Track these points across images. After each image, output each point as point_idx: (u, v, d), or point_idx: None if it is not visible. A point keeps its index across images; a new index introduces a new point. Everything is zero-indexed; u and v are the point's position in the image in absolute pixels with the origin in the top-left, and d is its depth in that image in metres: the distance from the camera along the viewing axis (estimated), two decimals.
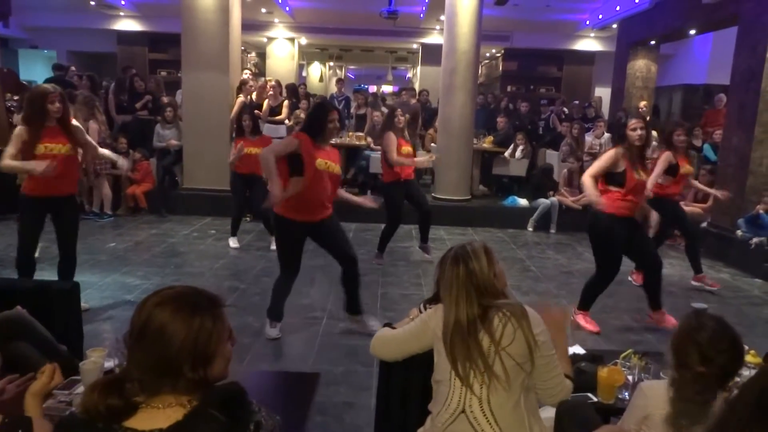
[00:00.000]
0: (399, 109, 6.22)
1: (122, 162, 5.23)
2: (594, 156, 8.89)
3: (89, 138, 4.46)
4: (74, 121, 4.27)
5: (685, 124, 6.01)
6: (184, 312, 1.30)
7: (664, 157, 5.40)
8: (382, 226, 6.35)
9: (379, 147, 8.80)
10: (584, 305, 4.65)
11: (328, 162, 3.98)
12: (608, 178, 4.38)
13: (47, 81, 9.04)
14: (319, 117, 4.03)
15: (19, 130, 4.02)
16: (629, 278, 5.86)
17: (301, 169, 3.89)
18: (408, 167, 6.04)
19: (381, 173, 6.41)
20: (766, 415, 1.25)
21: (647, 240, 4.81)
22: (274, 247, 6.62)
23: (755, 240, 6.52)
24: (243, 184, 6.64)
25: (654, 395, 1.88)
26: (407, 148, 6.07)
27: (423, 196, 6.46)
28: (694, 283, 5.91)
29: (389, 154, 5.86)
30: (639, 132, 4.30)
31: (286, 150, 3.90)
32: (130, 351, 1.32)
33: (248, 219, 7.70)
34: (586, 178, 4.36)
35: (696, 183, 6.50)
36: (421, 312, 2.41)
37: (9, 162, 3.94)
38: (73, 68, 10.26)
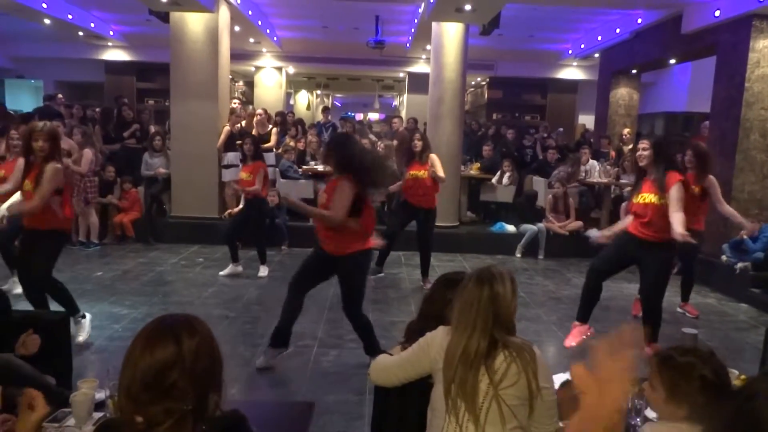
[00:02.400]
0: (417, 134, 6.58)
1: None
2: (580, 182, 9.04)
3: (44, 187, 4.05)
4: (54, 164, 4.04)
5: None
6: (162, 341, 1.33)
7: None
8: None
9: None
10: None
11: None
12: None
13: (35, 110, 9.05)
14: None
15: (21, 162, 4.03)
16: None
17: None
18: (417, 194, 6.34)
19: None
20: (750, 418, 1.27)
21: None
22: (262, 273, 6.65)
23: (740, 265, 6.60)
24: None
25: None
26: (416, 172, 6.35)
27: (428, 231, 6.57)
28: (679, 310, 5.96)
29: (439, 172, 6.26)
30: (639, 152, 4.41)
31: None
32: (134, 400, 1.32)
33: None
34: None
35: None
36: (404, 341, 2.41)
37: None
38: (60, 96, 10.26)
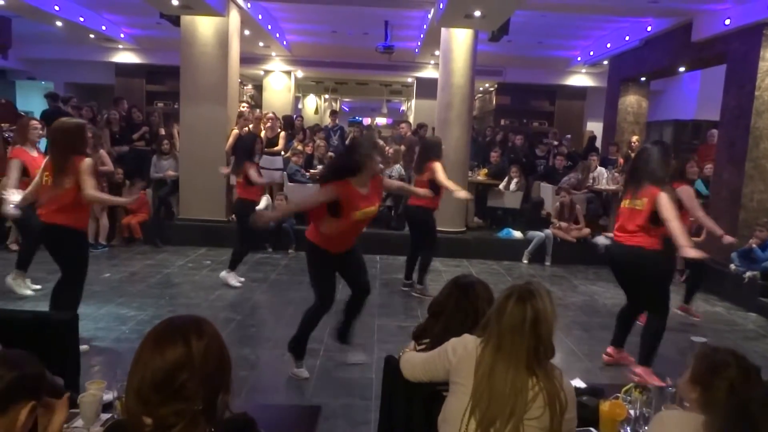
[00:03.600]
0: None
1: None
2: (588, 188, 9.02)
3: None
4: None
5: (693, 157, 5.86)
6: (171, 342, 1.33)
7: (690, 192, 5.04)
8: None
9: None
10: (647, 360, 4.30)
11: (365, 211, 3.90)
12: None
13: (44, 113, 9.08)
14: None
15: (89, 162, 4.16)
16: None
17: (339, 212, 3.79)
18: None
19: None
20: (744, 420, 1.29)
21: None
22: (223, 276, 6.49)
23: (748, 274, 6.56)
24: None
25: (672, 424, 1.79)
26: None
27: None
28: (678, 311, 5.94)
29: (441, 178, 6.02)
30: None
31: (329, 199, 3.80)
32: (144, 403, 1.32)
33: None
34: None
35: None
36: (416, 341, 2.42)
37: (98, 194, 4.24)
38: (74, 99, 10.29)
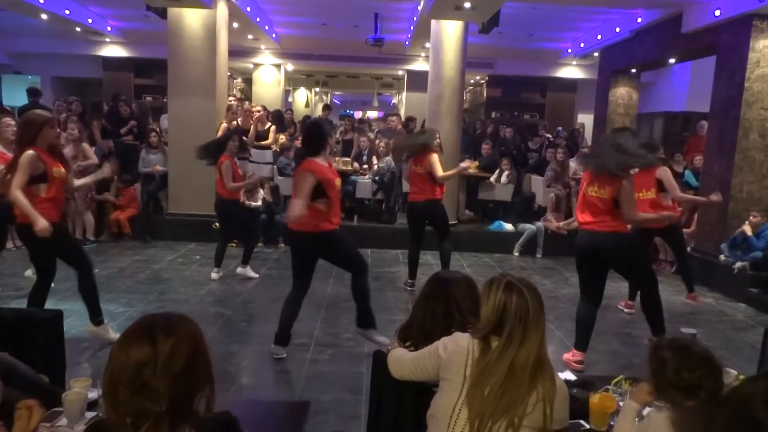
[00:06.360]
0: (437, 131, 6.40)
1: (106, 170, 4.95)
2: (578, 182, 9.01)
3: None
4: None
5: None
6: (137, 341, 1.31)
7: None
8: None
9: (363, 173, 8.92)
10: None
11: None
12: None
13: (23, 108, 8.93)
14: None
15: (28, 156, 3.86)
16: (619, 306, 5.88)
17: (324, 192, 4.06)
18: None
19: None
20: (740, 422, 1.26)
21: None
22: (252, 274, 6.53)
23: (738, 265, 6.59)
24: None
25: (661, 423, 1.81)
26: None
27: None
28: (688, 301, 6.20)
29: (436, 172, 5.99)
30: None
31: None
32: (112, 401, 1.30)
33: (233, 245, 7.64)
34: None
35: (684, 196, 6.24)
36: (401, 342, 2.38)
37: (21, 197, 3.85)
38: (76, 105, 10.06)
